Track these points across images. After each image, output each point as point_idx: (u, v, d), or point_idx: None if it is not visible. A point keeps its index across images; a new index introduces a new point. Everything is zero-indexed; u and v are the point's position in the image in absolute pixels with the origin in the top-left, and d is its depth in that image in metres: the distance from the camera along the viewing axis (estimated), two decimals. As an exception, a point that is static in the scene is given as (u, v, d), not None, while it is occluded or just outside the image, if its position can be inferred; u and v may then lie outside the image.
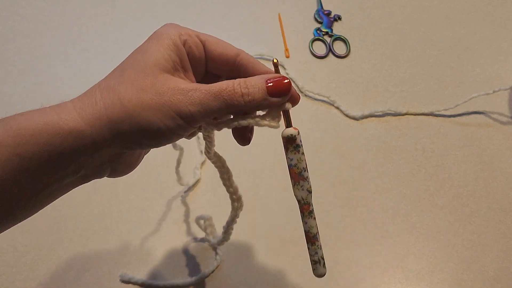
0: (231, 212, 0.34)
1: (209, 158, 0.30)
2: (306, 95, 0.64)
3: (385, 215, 0.50)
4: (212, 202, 0.51)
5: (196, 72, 0.27)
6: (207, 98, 0.23)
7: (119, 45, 0.63)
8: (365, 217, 0.50)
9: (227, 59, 0.26)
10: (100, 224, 0.47)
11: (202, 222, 0.42)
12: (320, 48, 0.65)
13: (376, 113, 0.59)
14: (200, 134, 0.54)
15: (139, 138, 0.23)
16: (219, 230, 0.42)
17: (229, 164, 0.33)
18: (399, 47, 0.64)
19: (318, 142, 0.57)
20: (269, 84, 0.24)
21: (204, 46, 0.26)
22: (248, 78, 0.24)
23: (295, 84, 0.63)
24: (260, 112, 0.27)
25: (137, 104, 0.22)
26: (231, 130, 0.27)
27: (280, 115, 0.26)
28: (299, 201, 0.27)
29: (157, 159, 0.53)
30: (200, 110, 0.23)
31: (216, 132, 0.28)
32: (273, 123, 0.26)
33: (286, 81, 0.24)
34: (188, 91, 0.23)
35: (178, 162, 0.43)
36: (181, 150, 0.44)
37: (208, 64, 0.27)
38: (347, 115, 0.60)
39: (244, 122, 0.25)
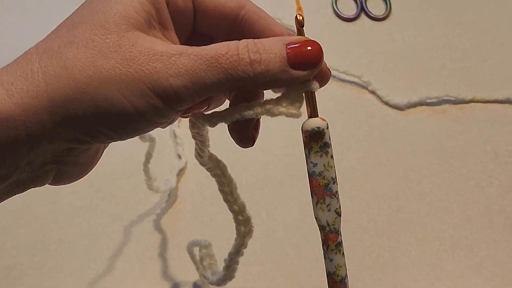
0: (236, 240, 0.32)
1: (203, 164, 0.29)
2: None
3: (442, 246, 0.49)
4: (201, 224, 0.50)
5: (180, 31, 0.26)
6: (197, 66, 0.22)
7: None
8: (413, 249, 0.49)
9: (226, 13, 0.26)
10: (30, 262, 0.46)
11: (196, 250, 0.41)
12: (348, 7, 0.65)
13: (428, 100, 0.59)
14: (177, 128, 0.54)
15: (96, 125, 0.22)
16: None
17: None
18: (460, 5, 0.67)
19: (344, 141, 0.57)
20: (290, 50, 0.23)
21: None
22: (259, 39, 0.24)
23: None
24: (267, 96, 0.26)
25: (93, 76, 0.21)
26: (226, 125, 0.26)
27: (303, 98, 0.25)
28: (322, 228, 0.26)
29: (116, 161, 0.54)
30: (187, 84, 0.22)
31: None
32: (292, 110, 0.25)
33: (316, 46, 0.24)
34: (170, 56, 0.22)
35: (148, 156, 0.42)
36: (151, 142, 0.42)
37: (197, 20, 0.26)
38: (387, 103, 0.61)
39: (249, 113, 0.24)
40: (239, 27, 0.26)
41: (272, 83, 0.24)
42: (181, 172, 0.53)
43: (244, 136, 0.27)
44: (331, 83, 0.64)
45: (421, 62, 0.62)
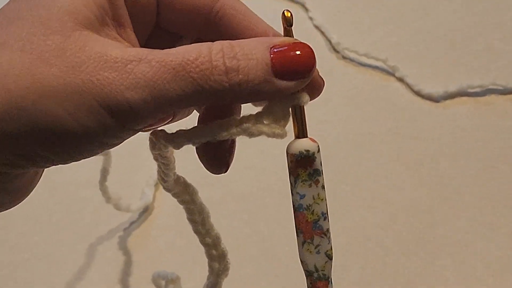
0: (208, 278, 0.33)
1: (167, 189, 0.30)
2: (344, 58, 0.65)
3: (486, 271, 0.48)
4: (176, 248, 0.51)
5: (140, 29, 0.27)
6: (160, 76, 0.22)
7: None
8: (450, 274, 0.48)
9: (197, 7, 0.26)
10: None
11: (163, 283, 0.42)
12: (370, -26, 0.70)
13: (470, 90, 0.59)
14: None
15: (33, 147, 0.22)
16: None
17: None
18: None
19: (364, 141, 0.57)
20: (275, 55, 0.24)
21: None
22: (237, 41, 0.24)
23: (325, 38, 0.65)
24: (243, 110, 0.27)
25: (30, 87, 0.21)
26: (194, 148, 0.27)
27: (289, 114, 0.26)
28: (309, 274, 0.26)
29: (81, 166, 0.53)
30: (146, 99, 0.22)
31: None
32: (276, 129, 0.25)
33: (306, 50, 0.24)
34: (126, 63, 0.22)
35: (104, 173, 0.43)
36: (105, 155, 0.43)
37: (161, 14, 0.27)
38: (418, 93, 0.60)
39: (222, 134, 0.25)
40: (213, 24, 0.26)
41: (252, 96, 0.24)
42: (155, 187, 0.55)
43: (215, 160, 0.28)
44: (348, 69, 0.63)
45: (461, 42, 0.63)
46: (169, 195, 0.53)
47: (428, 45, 0.64)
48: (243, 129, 0.25)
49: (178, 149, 0.26)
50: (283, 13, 0.25)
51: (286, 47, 0.24)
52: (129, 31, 0.26)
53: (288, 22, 0.25)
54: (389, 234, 0.52)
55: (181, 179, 0.30)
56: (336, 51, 0.65)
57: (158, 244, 0.52)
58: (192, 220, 0.31)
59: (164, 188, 0.30)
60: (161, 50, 0.23)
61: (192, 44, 0.23)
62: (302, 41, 0.24)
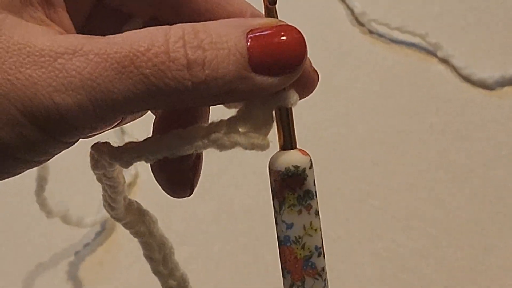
0: None
1: (116, 218, 0.31)
2: (371, 32, 0.63)
3: None
4: (148, 279, 0.49)
5: (75, 7, 0.27)
6: (100, 73, 0.23)
7: None
8: None
9: None
10: None
11: None
12: None
13: None
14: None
15: None
16: None
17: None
18: None
19: (398, 139, 0.58)
20: (254, 42, 0.24)
21: None
22: (203, 24, 0.24)
23: (345, 6, 0.65)
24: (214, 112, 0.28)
25: None
26: (149, 166, 0.28)
27: (273, 119, 0.27)
28: None
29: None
30: (82, 103, 0.23)
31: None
32: (255, 139, 0.26)
33: (294, 35, 0.24)
34: (56, 57, 0.23)
35: (40, 182, 0.46)
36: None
37: None
38: (467, 78, 0.60)
39: (183, 147, 0.25)
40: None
41: (223, 97, 0.24)
42: (127, 189, 0.54)
43: (175, 181, 0.28)
44: (375, 47, 0.63)
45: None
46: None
47: (480, 16, 0.64)
48: (212, 141, 0.25)
49: (127, 167, 0.26)
50: None
51: (267, 32, 0.24)
52: (60, 12, 0.26)
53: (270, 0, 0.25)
54: (430, 263, 0.52)
55: (134, 204, 0.31)
56: (360, 23, 0.65)
57: (122, 273, 0.52)
58: (150, 258, 0.32)
59: (111, 217, 0.30)
60: (102, 37, 0.23)
61: (144, 29, 0.23)
62: (288, 24, 0.24)
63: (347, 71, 0.61)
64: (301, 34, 0.24)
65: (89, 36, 0.23)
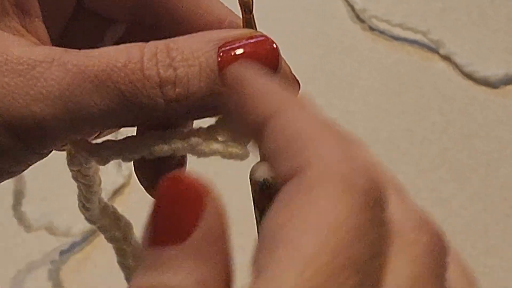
0: None
1: (90, 220, 0.31)
2: (372, 29, 0.63)
3: None
4: None
5: (53, 16, 0.27)
6: (78, 84, 0.23)
7: None
8: None
9: None
10: None
11: None
12: None
13: None
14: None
15: None
16: None
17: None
18: None
19: (399, 140, 0.58)
20: (225, 55, 0.24)
21: None
22: (176, 40, 0.24)
23: (346, 3, 0.64)
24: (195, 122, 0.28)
25: None
26: (132, 164, 0.29)
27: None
28: None
29: None
30: (58, 114, 0.23)
31: None
32: (233, 148, 0.26)
33: (266, 46, 0.24)
34: (34, 65, 0.23)
35: (18, 195, 0.46)
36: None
37: None
38: (470, 76, 0.60)
39: (162, 149, 0.25)
40: (153, 6, 0.27)
41: (196, 114, 0.25)
42: (118, 191, 0.54)
43: (157, 183, 0.27)
44: (377, 44, 0.63)
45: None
46: (130, 206, 0.54)
47: (484, 13, 0.64)
48: (191, 145, 0.25)
49: (104, 164, 0.26)
50: None
51: (239, 44, 0.24)
52: (36, 22, 0.26)
53: (246, 7, 0.25)
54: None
55: (109, 208, 0.31)
56: (361, 20, 0.64)
57: (104, 277, 0.52)
58: (123, 265, 0.32)
59: (85, 218, 0.30)
60: (79, 51, 0.23)
61: (120, 45, 0.24)
62: (262, 34, 0.25)
63: (347, 68, 0.60)
64: (274, 45, 0.24)
65: (65, 48, 0.24)
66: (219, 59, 0.24)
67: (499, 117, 0.58)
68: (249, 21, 0.26)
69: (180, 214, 0.20)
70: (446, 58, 0.61)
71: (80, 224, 0.52)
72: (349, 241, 0.17)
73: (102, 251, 0.53)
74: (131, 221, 0.55)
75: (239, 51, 0.24)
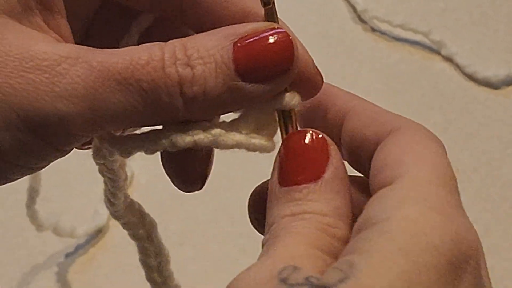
0: None
1: (115, 215, 0.31)
2: (373, 30, 0.63)
3: None
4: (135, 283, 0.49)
5: (77, 14, 0.27)
6: (103, 81, 0.23)
7: None
8: None
9: None
10: None
11: None
12: None
13: None
14: None
15: None
16: None
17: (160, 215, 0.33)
18: None
19: None
20: (240, 50, 0.24)
21: None
22: (193, 37, 0.25)
23: (347, 4, 0.64)
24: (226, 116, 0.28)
25: None
26: (159, 156, 0.29)
27: (275, 120, 0.27)
28: None
29: None
30: (84, 113, 0.23)
31: None
32: (257, 139, 0.26)
33: (282, 37, 0.25)
34: (59, 62, 0.23)
35: (32, 193, 0.46)
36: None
37: None
38: (471, 77, 0.60)
39: (184, 140, 0.25)
40: None
41: (216, 111, 0.25)
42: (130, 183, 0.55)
43: (186, 173, 0.29)
44: (378, 44, 0.63)
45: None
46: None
47: (485, 13, 0.63)
48: (213, 137, 0.25)
49: (127, 157, 0.26)
50: None
51: (254, 39, 0.24)
52: (59, 19, 0.26)
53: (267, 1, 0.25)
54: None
55: (135, 205, 0.31)
56: (362, 21, 0.64)
57: (109, 278, 0.52)
58: (145, 263, 0.32)
59: (111, 214, 0.31)
60: (102, 50, 0.24)
61: (141, 45, 0.24)
62: (277, 27, 0.25)
63: (349, 69, 0.60)
64: (289, 36, 0.25)
65: (88, 47, 0.24)
66: (234, 53, 0.24)
67: (500, 117, 0.58)
68: (270, 13, 0.26)
69: (312, 159, 0.24)
70: (447, 59, 0.61)
71: (84, 225, 0.53)
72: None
73: (107, 252, 0.53)
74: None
75: (254, 44, 0.24)
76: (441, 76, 0.60)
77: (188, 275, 0.52)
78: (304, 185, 0.24)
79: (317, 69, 0.27)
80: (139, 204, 0.32)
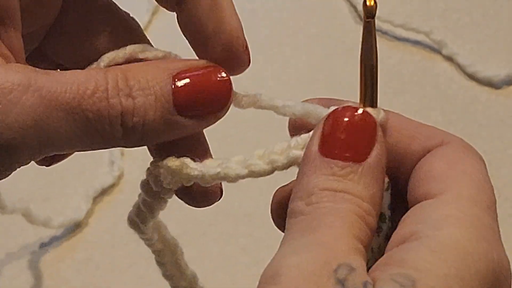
0: None
1: (143, 238, 0.32)
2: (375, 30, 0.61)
3: None
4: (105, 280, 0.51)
5: (35, 19, 0.27)
6: (51, 112, 0.23)
7: None
8: None
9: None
10: None
11: None
12: None
13: None
14: None
15: None
16: None
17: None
18: None
19: None
20: (179, 85, 0.25)
21: None
22: (135, 67, 0.25)
23: (348, 4, 0.65)
24: None
25: None
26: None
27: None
28: None
29: None
30: (30, 143, 0.23)
31: None
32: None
33: (219, 76, 0.26)
34: (9, 92, 0.23)
35: None
36: None
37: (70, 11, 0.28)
38: (472, 77, 0.60)
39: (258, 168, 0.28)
40: None
41: (154, 141, 0.26)
42: (106, 191, 0.54)
43: (196, 192, 0.29)
44: (379, 44, 0.62)
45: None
46: (118, 207, 0.55)
47: (486, 13, 0.63)
48: (291, 158, 0.26)
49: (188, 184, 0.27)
50: (364, 1, 0.25)
51: (193, 74, 0.25)
52: (12, 32, 0.26)
53: (369, 12, 0.26)
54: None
55: (161, 228, 0.32)
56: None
57: (81, 272, 0.52)
58: (161, 264, 0.33)
59: (140, 237, 0.31)
60: (51, 74, 0.24)
61: (88, 70, 0.25)
62: (215, 65, 0.26)
63: (350, 69, 0.60)
64: (227, 75, 0.25)
65: (37, 70, 0.24)
66: (173, 87, 0.25)
67: (501, 117, 0.58)
68: (368, 26, 0.26)
69: (360, 139, 0.24)
70: (449, 59, 0.61)
71: (61, 217, 0.52)
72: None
73: (81, 248, 0.53)
74: (118, 223, 0.54)
75: (193, 80, 0.25)
76: (442, 76, 0.60)
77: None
78: (348, 163, 0.23)
79: (247, 48, 0.27)
80: (166, 233, 0.32)
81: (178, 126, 0.25)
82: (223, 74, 0.26)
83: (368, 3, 0.25)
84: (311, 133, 0.26)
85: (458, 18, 0.63)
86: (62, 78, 0.24)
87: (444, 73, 0.61)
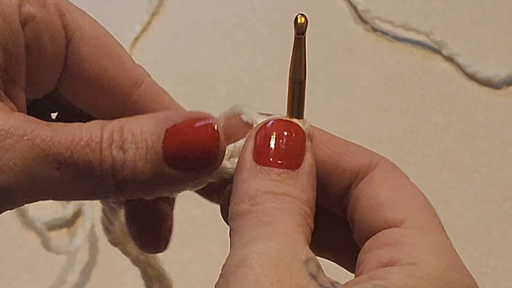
0: None
1: (112, 242, 0.32)
2: (375, 30, 0.63)
3: None
4: None
5: (38, 77, 0.28)
6: (42, 161, 0.24)
7: None
8: None
9: (115, 87, 0.28)
10: None
11: None
12: None
13: None
14: None
15: None
16: None
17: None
18: None
19: (403, 138, 0.58)
20: (169, 138, 0.25)
21: (69, 38, 0.27)
22: (131, 120, 0.26)
23: (348, 4, 0.64)
24: None
25: None
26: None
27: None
28: None
29: None
30: (19, 185, 0.24)
31: None
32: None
33: (209, 131, 0.26)
34: (3, 139, 0.24)
35: None
36: None
37: (71, 71, 0.28)
38: (472, 77, 0.60)
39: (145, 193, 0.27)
40: (131, 103, 0.29)
41: (143, 192, 0.26)
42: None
43: (150, 235, 0.30)
44: (379, 44, 0.63)
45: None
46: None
47: (486, 13, 0.64)
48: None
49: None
50: (296, 18, 0.26)
51: (184, 128, 0.25)
52: (18, 90, 0.26)
53: (300, 28, 0.26)
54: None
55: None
56: (363, 21, 0.64)
57: (81, 272, 0.52)
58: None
59: (108, 240, 0.31)
60: (52, 125, 0.24)
61: (87, 123, 0.25)
62: (208, 118, 0.26)
63: (350, 69, 0.60)
64: (217, 130, 0.25)
65: (37, 120, 0.24)
66: (164, 140, 0.25)
67: (501, 117, 0.58)
68: (298, 42, 0.27)
69: (293, 148, 0.25)
70: (449, 59, 0.61)
71: (60, 217, 0.53)
72: None
73: (82, 247, 0.53)
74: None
75: (184, 134, 0.25)
76: (442, 76, 0.61)
77: (188, 276, 0.52)
78: (284, 169, 0.24)
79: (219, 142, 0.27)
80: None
81: (168, 178, 0.25)
82: (212, 130, 0.26)
83: (299, 20, 0.26)
84: (238, 143, 0.27)
85: (458, 18, 0.63)
86: (60, 129, 0.24)
87: (444, 73, 0.61)
